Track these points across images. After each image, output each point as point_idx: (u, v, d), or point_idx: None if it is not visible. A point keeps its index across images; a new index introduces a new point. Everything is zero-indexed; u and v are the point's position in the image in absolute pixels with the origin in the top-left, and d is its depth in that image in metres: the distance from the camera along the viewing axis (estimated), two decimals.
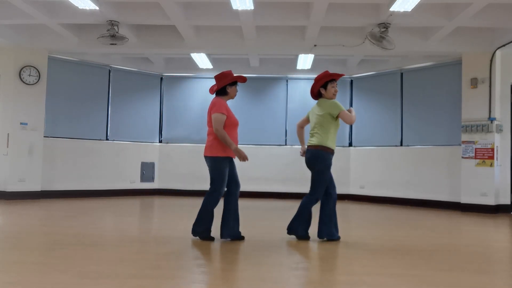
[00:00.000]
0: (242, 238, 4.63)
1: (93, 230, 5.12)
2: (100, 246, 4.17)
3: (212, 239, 4.56)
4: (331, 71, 4.83)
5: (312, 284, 3.12)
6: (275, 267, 3.53)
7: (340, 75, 4.77)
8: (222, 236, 4.57)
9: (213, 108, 4.48)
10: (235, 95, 4.69)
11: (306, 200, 4.66)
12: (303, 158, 4.76)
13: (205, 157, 4.55)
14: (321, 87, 4.70)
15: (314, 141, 4.63)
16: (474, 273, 3.49)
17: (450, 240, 5.08)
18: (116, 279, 3.04)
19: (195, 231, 4.59)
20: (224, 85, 4.56)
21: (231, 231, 4.58)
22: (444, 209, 8.35)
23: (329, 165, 4.62)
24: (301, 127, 5.05)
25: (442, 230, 5.86)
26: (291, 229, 4.73)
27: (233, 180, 4.65)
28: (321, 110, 4.64)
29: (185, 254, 3.98)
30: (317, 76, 4.73)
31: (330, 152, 4.61)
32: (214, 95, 4.70)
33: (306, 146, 4.78)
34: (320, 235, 4.64)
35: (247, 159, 4.40)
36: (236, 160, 4.68)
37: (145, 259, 3.74)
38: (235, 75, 4.63)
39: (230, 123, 4.50)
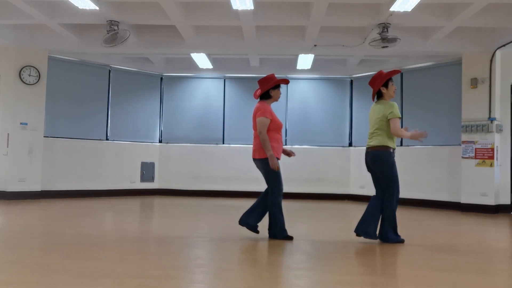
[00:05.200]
0: (257, 231, 4.66)
1: (93, 230, 5.12)
2: (100, 246, 4.17)
3: (291, 238, 4.62)
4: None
5: (312, 284, 3.11)
6: (275, 267, 3.53)
7: (397, 71, 4.75)
8: (241, 221, 4.66)
9: (257, 112, 4.61)
10: (279, 97, 4.81)
11: (386, 203, 4.55)
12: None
13: (255, 159, 4.65)
14: (383, 86, 4.65)
15: (373, 142, 4.60)
16: (474, 273, 3.49)
17: (450, 240, 5.08)
18: (116, 279, 3.04)
19: (273, 234, 4.62)
20: (268, 89, 4.67)
21: (251, 221, 4.65)
22: (444, 209, 8.34)
23: (392, 162, 4.55)
24: None
25: (442, 230, 5.86)
26: (382, 236, 4.57)
27: None
28: (379, 112, 4.60)
29: (185, 254, 3.98)
30: (374, 77, 4.70)
31: (391, 150, 4.56)
32: (258, 100, 4.80)
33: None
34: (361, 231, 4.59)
35: (277, 169, 4.50)
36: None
37: (145, 259, 3.74)
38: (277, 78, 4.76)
39: (275, 126, 4.61)
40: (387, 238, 4.54)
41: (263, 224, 4.66)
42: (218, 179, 10.07)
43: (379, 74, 4.67)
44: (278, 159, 4.61)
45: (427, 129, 8.77)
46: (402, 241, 4.56)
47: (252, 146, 4.76)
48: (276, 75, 4.83)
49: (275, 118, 4.64)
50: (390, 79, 4.66)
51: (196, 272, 3.39)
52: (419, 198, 8.85)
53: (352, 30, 8.00)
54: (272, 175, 4.56)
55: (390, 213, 4.54)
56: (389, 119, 4.52)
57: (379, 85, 4.65)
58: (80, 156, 9.21)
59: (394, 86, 4.70)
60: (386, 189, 4.60)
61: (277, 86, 4.74)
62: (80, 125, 9.29)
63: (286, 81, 4.82)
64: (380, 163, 4.56)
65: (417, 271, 3.46)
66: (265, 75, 4.81)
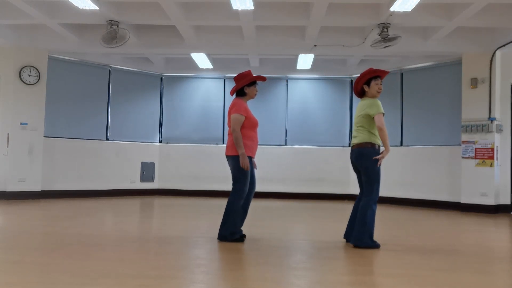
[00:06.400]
0: (241, 240, 4.57)
1: (93, 230, 5.12)
2: (100, 246, 4.17)
3: (242, 240, 4.53)
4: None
5: (312, 284, 3.11)
6: (275, 267, 3.53)
7: (385, 72, 4.53)
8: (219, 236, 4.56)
9: (232, 108, 4.52)
10: (255, 95, 4.69)
11: (364, 204, 4.34)
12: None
13: (227, 156, 4.54)
14: (365, 84, 4.50)
15: (357, 139, 4.44)
16: (474, 273, 3.48)
17: (450, 240, 5.08)
18: (116, 279, 3.04)
19: (221, 235, 4.51)
20: (242, 86, 4.59)
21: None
22: (444, 209, 8.34)
23: (376, 160, 4.32)
24: None
25: (442, 230, 5.86)
26: (350, 236, 4.50)
27: (250, 181, 4.61)
28: (361, 109, 4.45)
29: (185, 254, 3.98)
30: (361, 73, 4.56)
31: (376, 147, 4.36)
32: (234, 96, 4.72)
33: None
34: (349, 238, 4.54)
35: (247, 169, 4.40)
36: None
37: (145, 259, 3.74)
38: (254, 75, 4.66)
39: (250, 124, 4.52)
40: (361, 242, 4.30)
41: (245, 224, 4.65)
42: (218, 179, 10.07)
43: (367, 71, 4.53)
44: (252, 157, 4.53)
45: (427, 129, 8.92)
46: (378, 246, 4.34)
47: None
48: (276, 75, 4.79)
49: (250, 116, 4.53)
50: (374, 77, 4.48)
51: (196, 272, 3.39)
52: (419, 198, 8.85)
53: (352, 30, 8.00)
54: (240, 175, 4.43)
55: (366, 216, 4.29)
56: (373, 117, 4.34)
57: (361, 83, 4.53)
58: (80, 156, 9.21)
59: (379, 85, 4.46)
60: (366, 187, 4.38)
61: (252, 83, 4.61)
62: (80, 125, 9.29)
63: (262, 78, 4.65)
64: (364, 158, 4.35)
65: (417, 271, 3.46)
66: (265, 75, 4.77)
